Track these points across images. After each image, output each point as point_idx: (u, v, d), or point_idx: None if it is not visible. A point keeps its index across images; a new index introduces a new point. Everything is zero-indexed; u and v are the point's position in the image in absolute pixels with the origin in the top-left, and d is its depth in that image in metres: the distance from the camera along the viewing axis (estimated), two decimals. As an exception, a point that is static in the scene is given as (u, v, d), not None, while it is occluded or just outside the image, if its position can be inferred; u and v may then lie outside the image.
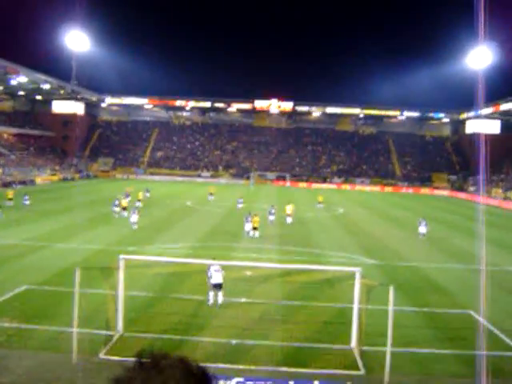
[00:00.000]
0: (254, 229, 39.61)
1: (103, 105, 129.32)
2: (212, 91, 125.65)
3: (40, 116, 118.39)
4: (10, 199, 52.40)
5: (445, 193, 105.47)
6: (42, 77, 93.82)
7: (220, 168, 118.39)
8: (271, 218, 46.44)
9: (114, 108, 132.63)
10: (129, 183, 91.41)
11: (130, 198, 54.00)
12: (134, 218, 41.16)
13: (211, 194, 68.19)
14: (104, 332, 17.85)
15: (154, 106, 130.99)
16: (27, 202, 51.07)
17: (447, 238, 44.23)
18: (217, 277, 21.30)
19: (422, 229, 42.61)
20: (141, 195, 57.48)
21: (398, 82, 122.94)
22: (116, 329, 18.17)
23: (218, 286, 21.38)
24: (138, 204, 52.90)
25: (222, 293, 21.56)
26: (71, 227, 39.95)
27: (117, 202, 48.41)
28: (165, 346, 16.83)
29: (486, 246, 36.90)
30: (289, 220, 47.93)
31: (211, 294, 21.56)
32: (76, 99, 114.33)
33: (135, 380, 1.09)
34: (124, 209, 47.78)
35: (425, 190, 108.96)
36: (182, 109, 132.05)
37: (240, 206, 58.66)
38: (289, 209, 48.55)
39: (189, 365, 1.13)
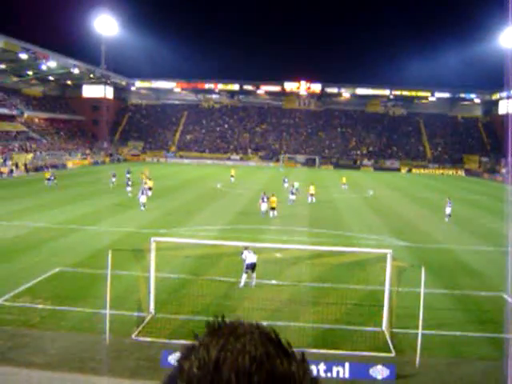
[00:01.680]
0: (272, 209, 40.10)
1: (132, 88, 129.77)
2: (241, 74, 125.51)
3: (70, 100, 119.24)
4: (48, 179, 55.31)
5: (476, 174, 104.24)
6: (72, 61, 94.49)
7: (249, 151, 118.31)
8: (292, 197, 47.13)
9: (144, 92, 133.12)
10: (159, 167, 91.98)
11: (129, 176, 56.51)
12: (143, 198, 41.70)
13: (232, 176, 68.74)
14: (136, 313, 18.09)
15: (183, 89, 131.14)
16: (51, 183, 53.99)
17: (478, 220, 43.79)
18: (251, 257, 21.46)
19: (448, 210, 42.18)
20: (145, 177, 56.64)
21: (428, 62, 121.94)
22: (148, 310, 18.37)
23: (252, 267, 21.55)
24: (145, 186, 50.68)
25: (256, 274, 21.73)
26: (102, 210, 40.33)
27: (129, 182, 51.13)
28: (196, 328, 16.95)
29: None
30: (311, 199, 49.22)
31: (244, 276, 21.70)
32: (106, 83, 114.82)
33: (213, 347, 1.09)
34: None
35: (455, 172, 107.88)
36: (210, 91, 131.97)
37: (286, 185, 60.28)
38: (311, 189, 49.75)
39: (266, 330, 1.13)
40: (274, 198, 40.51)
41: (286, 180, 63.47)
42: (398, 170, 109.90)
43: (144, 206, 41.29)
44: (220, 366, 1.02)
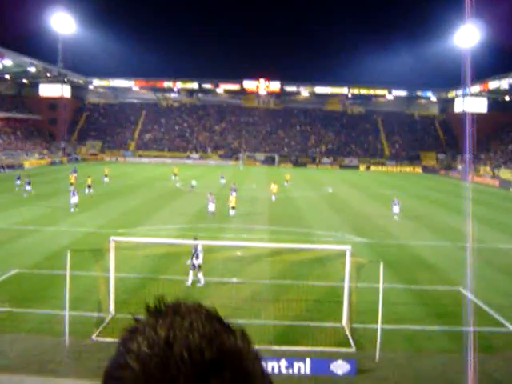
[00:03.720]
0: (232, 208, 40.15)
1: (90, 87, 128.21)
2: (200, 72, 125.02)
3: (27, 99, 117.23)
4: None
5: (432, 171, 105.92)
6: (28, 60, 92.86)
7: (209, 149, 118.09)
8: (234, 194, 44.52)
9: (101, 90, 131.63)
10: (117, 166, 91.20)
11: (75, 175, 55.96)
12: (74, 199, 40.52)
13: (175, 174, 68.80)
14: (96, 314, 17.92)
15: (142, 87, 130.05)
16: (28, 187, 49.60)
17: (435, 216, 44.49)
18: (200, 258, 21.75)
19: (396, 208, 41.94)
20: (72, 179, 53.68)
21: (385, 60, 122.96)
22: (108, 311, 18.24)
23: (199, 267, 21.73)
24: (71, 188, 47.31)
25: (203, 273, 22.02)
26: (60, 210, 39.82)
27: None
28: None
29: (473, 223, 37.16)
30: (273, 198, 49.64)
31: (190, 273, 21.88)
32: (63, 82, 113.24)
33: (160, 326, 1.09)
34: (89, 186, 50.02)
35: (413, 169, 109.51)
36: (169, 90, 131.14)
37: (223, 181, 63.44)
38: (273, 187, 50.40)
39: (208, 308, 1.18)
40: (233, 197, 40.88)
41: (223, 176, 65.83)
42: (357, 167, 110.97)
43: (74, 207, 40.34)
44: (171, 344, 1.03)
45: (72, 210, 39.88)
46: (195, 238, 22.75)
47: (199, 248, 21.80)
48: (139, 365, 1.03)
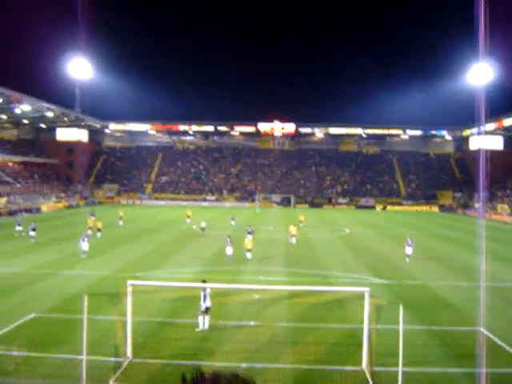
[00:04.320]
0: (248, 251, 39.32)
1: (107, 131, 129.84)
2: (215, 115, 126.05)
3: (44, 144, 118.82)
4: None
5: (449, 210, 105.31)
6: (46, 105, 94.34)
7: (225, 191, 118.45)
8: (249, 236, 43.92)
9: (118, 134, 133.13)
10: (133, 209, 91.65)
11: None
12: (85, 245, 39.07)
13: (188, 216, 69.15)
14: (113, 359, 17.79)
15: (158, 131, 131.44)
16: (32, 233, 47.08)
17: (453, 255, 44.07)
18: (208, 301, 21.55)
19: (408, 250, 40.18)
20: (90, 223, 54.16)
21: (400, 100, 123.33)
22: (125, 355, 18.10)
23: (208, 310, 21.57)
24: (89, 232, 49.38)
25: (209, 316, 21.75)
26: (77, 254, 39.88)
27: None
28: (175, 372, 16.74)
29: (491, 261, 36.80)
30: (293, 240, 48.70)
31: (200, 318, 21.61)
32: (80, 126, 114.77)
33: None
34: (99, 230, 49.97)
35: (429, 208, 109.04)
36: (185, 133, 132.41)
37: (233, 223, 63.56)
38: (292, 229, 49.41)
39: (246, 379, 1.18)
40: (249, 239, 40.41)
41: (234, 218, 65.50)
42: (373, 207, 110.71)
43: (85, 254, 38.91)
44: None
45: (82, 256, 38.65)
46: (204, 281, 22.61)
47: (207, 291, 21.67)
48: None
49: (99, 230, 49.81)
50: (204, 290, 21.74)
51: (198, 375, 0.96)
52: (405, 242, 41.36)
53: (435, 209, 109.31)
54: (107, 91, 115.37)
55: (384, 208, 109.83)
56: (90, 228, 50.19)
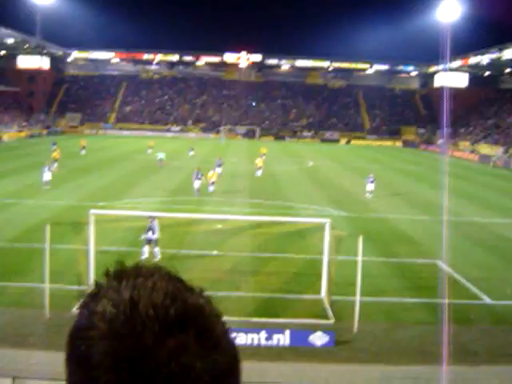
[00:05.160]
0: (212, 184, 38.59)
1: (69, 59, 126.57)
2: (180, 45, 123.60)
3: (4, 72, 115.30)
4: None
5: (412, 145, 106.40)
6: (5, 31, 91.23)
7: (189, 122, 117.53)
8: (218, 170, 44.05)
9: (81, 62, 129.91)
10: (96, 139, 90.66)
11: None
12: (47, 176, 38.10)
13: (150, 147, 66.86)
14: (76, 287, 17.92)
15: (122, 59, 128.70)
16: None
17: (414, 190, 44.82)
18: (156, 232, 21.40)
19: (370, 186, 39.68)
20: (56, 154, 51.03)
21: (367, 34, 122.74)
22: (88, 284, 18.22)
23: (156, 241, 21.49)
24: (54, 164, 46.28)
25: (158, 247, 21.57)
26: (39, 183, 39.45)
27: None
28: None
29: (452, 197, 37.53)
30: (259, 173, 48.36)
31: (145, 248, 21.53)
32: (41, 54, 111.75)
33: (123, 288, 1.11)
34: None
35: (393, 143, 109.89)
36: (149, 62, 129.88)
37: (191, 153, 62.86)
38: (259, 162, 49.19)
39: (168, 269, 1.23)
40: (213, 173, 39.60)
41: (193, 149, 64.26)
42: (338, 141, 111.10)
43: (47, 185, 37.92)
44: (136, 303, 1.06)
45: (45, 187, 37.66)
46: (150, 217, 22.10)
47: (155, 222, 21.46)
48: (106, 324, 1.05)
49: (56, 160, 47.88)
50: (151, 221, 21.43)
51: (121, 267, 1.00)
52: (366, 179, 40.69)
53: (399, 144, 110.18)
54: (70, 17, 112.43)
55: (348, 142, 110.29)
56: (56, 159, 48.42)
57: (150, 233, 21.37)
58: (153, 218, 21.61)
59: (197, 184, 37.42)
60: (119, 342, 1.02)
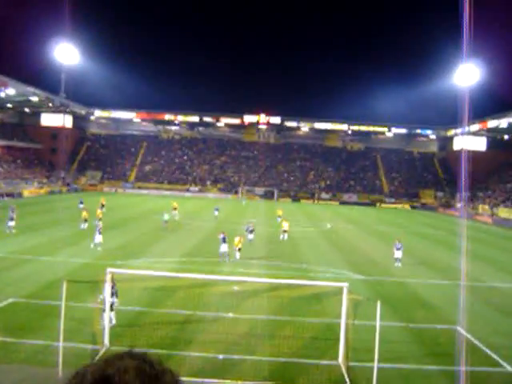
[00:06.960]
0: (239, 250, 36.52)
1: (92, 118, 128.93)
2: (201, 106, 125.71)
3: (28, 128, 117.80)
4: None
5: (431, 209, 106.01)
6: (31, 89, 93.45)
7: (208, 182, 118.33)
8: (250, 236, 43.17)
9: (103, 121, 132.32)
10: (115, 197, 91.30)
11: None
12: (99, 238, 37.54)
13: (175, 208, 63.10)
14: (90, 346, 17.77)
15: (143, 119, 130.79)
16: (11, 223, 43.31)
17: (433, 254, 44.38)
18: (115, 297, 20.18)
19: (398, 253, 37.26)
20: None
21: (386, 98, 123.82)
22: (103, 343, 18.08)
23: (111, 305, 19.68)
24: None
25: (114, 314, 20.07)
26: (58, 240, 39.68)
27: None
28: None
29: (471, 261, 37.11)
30: (284, 236, 46.81)
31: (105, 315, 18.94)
32: (65, 112, 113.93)
33: None
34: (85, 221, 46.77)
35: (412, 206, 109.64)
36: (170, 123, 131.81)
37: (216, 213, 62.43)
38: (285, 226, 47.46)
39: (149, 373, 1.21)
40: (239, 238, 37.24)
41: (218, 208, 64.05)
42: (356, 203, 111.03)
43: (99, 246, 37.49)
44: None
45: (99, 249, 37.17)
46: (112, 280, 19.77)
47: (115, 287, 20.20)
48: None
49: (86, 220, 47.23)
50: (112, 286, 19.70)
51: (99, 374, 0.96)
52: (393, 246, 38.21)
53: (417, 206, 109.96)
54: (93, 77, 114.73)
55: (370, 205, 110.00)
56: (86, 219, 47.33)
57: (114, 297, 20.10)
58: (114, 283, 19.92)
59: (224, 248, 35.53)
60: None
